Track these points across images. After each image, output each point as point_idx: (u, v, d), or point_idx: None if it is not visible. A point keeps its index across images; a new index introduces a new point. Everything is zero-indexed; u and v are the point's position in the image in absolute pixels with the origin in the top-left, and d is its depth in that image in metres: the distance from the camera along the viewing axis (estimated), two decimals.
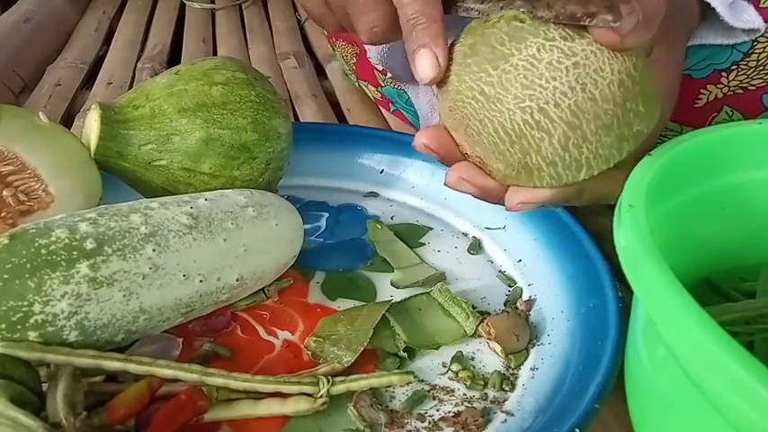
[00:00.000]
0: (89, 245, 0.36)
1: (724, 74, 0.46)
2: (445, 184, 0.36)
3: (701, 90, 0.48)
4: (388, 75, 0.57)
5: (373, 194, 0.57)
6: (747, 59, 0.45)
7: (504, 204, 0.36)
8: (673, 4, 0.34)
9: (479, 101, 0.33)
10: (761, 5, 0.42)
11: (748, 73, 0.46)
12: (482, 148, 0.34)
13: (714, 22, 0.41)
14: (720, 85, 0.47)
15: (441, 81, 0.34)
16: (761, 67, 0.45)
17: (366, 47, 0.58)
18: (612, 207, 0.30)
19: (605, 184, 0.34)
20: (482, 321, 0.42)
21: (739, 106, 0.48)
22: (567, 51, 0.31)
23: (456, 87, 0.34)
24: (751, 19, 0.40)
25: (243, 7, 1.13)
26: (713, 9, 0.39)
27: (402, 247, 0.50)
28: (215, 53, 0.97)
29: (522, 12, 0.32)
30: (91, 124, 0.45)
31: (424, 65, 0.34)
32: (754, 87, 0.47)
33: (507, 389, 0.39)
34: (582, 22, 0.30)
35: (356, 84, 0.78)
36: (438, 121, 0.56)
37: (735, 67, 0.45)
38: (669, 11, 0.33)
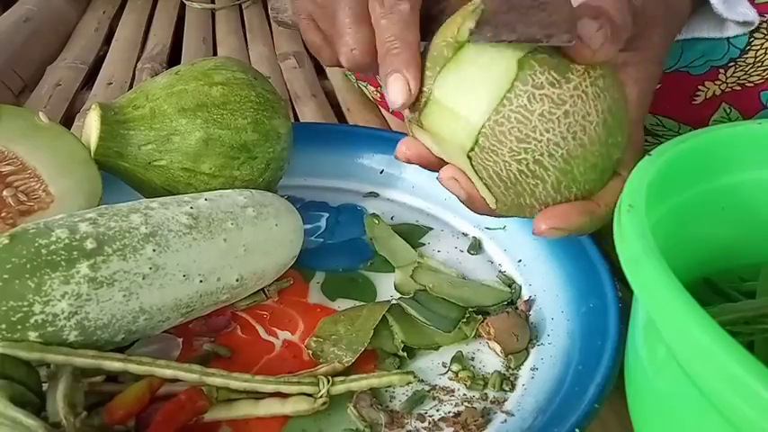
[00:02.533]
0: (89, 245, 0.36)
1: (722, 70, 0.46)
2: (437, 179, 0.37)
3: (699, 87, 0.48)
4: None
5: (373, 194, 0.57)
6: (745, 56, 0.45)
7: (485, 215, 0.37)
8: (651, 8, 0.34)
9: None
10: (756, 1, 0.42)
11: (746, 69, 0.46)
12: (473, 177, 0.35)
13: (708, 14, 0.41)
14: (718, 82, 0.47)
15: (417, 109, 0.35)
16: (758, 64, 0.45)
17: None
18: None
19: (612, 197, 0.35)
20: (482, 321, 0.42)
21: (737, 103, 0.48)
22: (556, 100, 0.32)
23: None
24: (744, 11, 0.40)
25: (243, 7, 1.13)
26: (707, 2, 0.39)
27: (400, 243, 0.50)
28: (215, 53, 0.97)
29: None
30: (91, 124, 0.45)
31: (395, 90, 0.34)
32: (752, 84, 0.47)
33: (507, 389, 0.39)
34: (541, 43, 0.31)
35: (356, 84, 0.78)
36: None
37: (732, 63, 0.46)
38: (642, 18, 0.33)
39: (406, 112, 0.36)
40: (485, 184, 0.34)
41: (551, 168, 0.33)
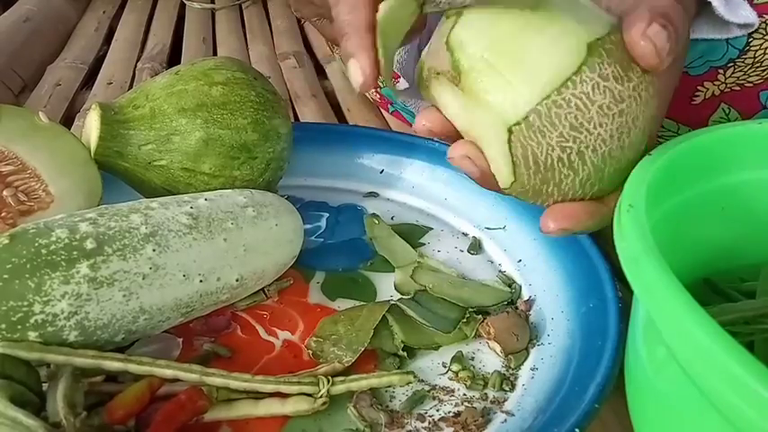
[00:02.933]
0: (89, 245, 0.36)
1: (721, 71, 0.46)
2: (449, 159, 0.36)
3: (698, 87, 0.48)
4: (399, 84, 0.56)
5: (373, 194, 0.57)
6: (744, 56, 0.45)
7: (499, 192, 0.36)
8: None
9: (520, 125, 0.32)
10: (755, 1, 0.42)
11: (745, 70, 0.46)
12: (496, 149, 0.33)
13: (709, 16, 0.41)
14: (717, 82, 0.47)
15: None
16: (757, 64, 0.45)
17: None
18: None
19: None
20: (482, 321, 0.42)
21: (736, 103, 0.48)
22: (617, 96, 0.31)
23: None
24: (746, 14, 0.41)
25: (243, 7, 1.13)
26: (708, 4, 0.39)
27: (400, 243, 0.50)
28: (215, 53, 0.97)
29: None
30: (91, 124, 0.45)
31: (352, 74, 0.34)
32: (750, 84, 0.47)
33: (507, 389, 0.39)
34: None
35: None
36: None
37: (731, 64, 0.46)
38: None
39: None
40: (513, 161, 0.33)
41: (589, 163, 0.32)
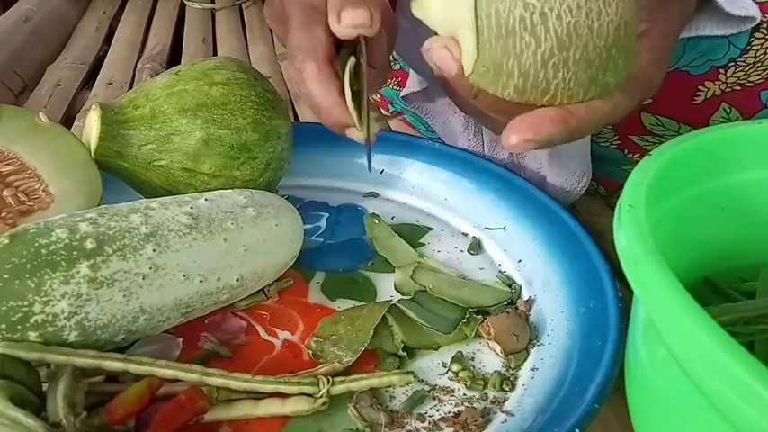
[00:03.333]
0: (89, 245, 0.36)
1: (722, 70, 0.46)
2: (424, 49, 0.35)
3: (699, 87, 0.48)
4: (407, 89, 0.57)
5: (373, 194, 0.57)
6: (745, 56, 0.45)
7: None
8: None
9: None
10: (758, 0, 0.42)
11: (746, 69, 0.46)
12: (465, 22, 0.32)
13: (710, 12, 0.41)
14: (718, 82, 0.47)
15: None
16: (758, 64, 0.45)
17: None
18: (612, 207, 0.30)
19: (589, 114, 0.33)
20: (482, 321, 0.42)
21: (737, 103, 0.48)
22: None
23: None
24: (746, 6, 0.40)
25: (243, 7, 1.14)
26: (710, 1, 0.39)
27: (400, 243, 0.50)
28: (215, 53, 0.97)
29: None
30: (91, 124, 0.45)
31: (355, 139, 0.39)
32: (751, 84, 0.47)
33: (507, 389, 0.39)
34: None
35: None
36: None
37: (732, 63, 0.46)
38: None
39: None
40: (477, 26, 0.31)
41: (552, 32, 0.30)
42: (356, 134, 0.39)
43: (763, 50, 0.44)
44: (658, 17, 0.35)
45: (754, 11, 0.41)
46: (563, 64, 0.31)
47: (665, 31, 0.36)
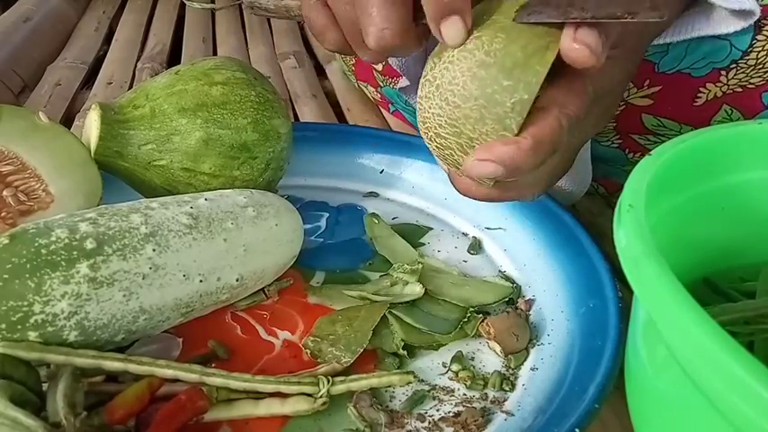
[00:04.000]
0: (89, 245, 0.36)
1: (723, 72, 0.46)
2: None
3: (701, 89, 0.48)
4: (401, 83, 0.56)
5: (373, 194, 0.57)
6: (746, 58, 0.45)
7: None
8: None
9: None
10: (760, 3, 0.41)
11: (747, 71, 0.45)
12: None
13: (708, 11, 0.41)
14: (720, 84, 0.47)
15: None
16: (760, 66, 0.45)
17: None
18: (612, 207, 0.30)
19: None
20: (482, 321, 0.42)
21: (738, 105, 0.48)
22: (430, 79, 0.36)
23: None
24: (741, 0, 0.39)
25: (243, 7, 1.13)
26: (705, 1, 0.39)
27: (400, 243, 0.50)
28: (215, 53, 0.97)
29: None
30: (91, 124, 0.45)
31: (452, 30, 0.34)
32: (753, 86, 0.46)
33: (507, 389, 0.39)
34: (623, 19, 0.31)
35: (356, 84, 0.78)
36: None
37: (734, 65, 0.45)
38: None
39: None
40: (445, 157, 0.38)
41: (447, 137, 0.36)
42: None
43: (765, 52, 0.44)
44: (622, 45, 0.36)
45: (749, 4, 0.40)
46: (470, 141, 0.36)
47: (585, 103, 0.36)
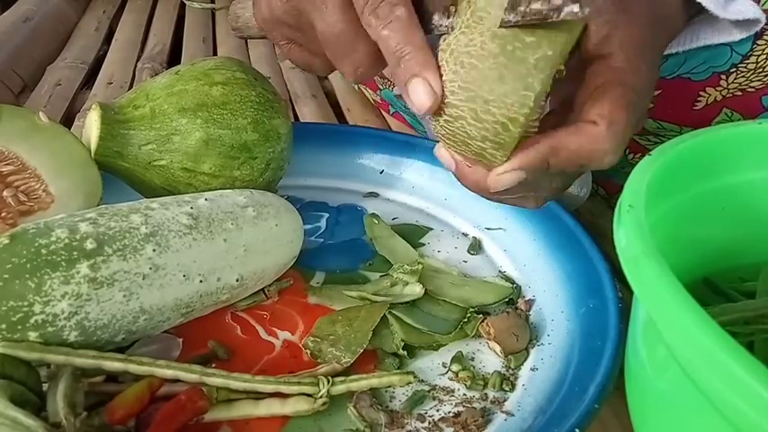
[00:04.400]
0: (89, 245, 0.36)
1: (723, 76, 0.46)
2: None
3: (701, 92, 0.48)
4: (397, 88, 0.56)
5: (373, 195, 0.57)
6: (746, 62, 0.45)
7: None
8: (636, 16, 0.34)
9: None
10: (761, 7, 0.41)
11: (747, 75, 0.45)
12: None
13: (710, 20, 0.41)
14: (719, 88, 0.47)
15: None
16: (760, 70, 0.45)
17: None
18: (613, 208, 0.30)
19: (578, 143, 0.33)
20: (482, 321, 0.42)
21: (738, 108, 0.48)
22: (444, 48, 0.33)
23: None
24: (743, 9, 0.39)
25: None
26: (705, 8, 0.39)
27: (400, 243, 0.50)
28: (215, 53, 0.97)
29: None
30: (91, 124, 0.45)
31: (419, 94, 0.33)
32: (753, 89, 0.46)
33: (507, 389, 0.39)
34: (549, 19, 0.30)
35: (355, 86, 0.78)
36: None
37: (734, 69, 0.45)
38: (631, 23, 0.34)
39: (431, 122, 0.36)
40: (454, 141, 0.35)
41: (459, 104, 0.33)
42: (425, 89, 0.34)
43: (765, 56, 0.44)
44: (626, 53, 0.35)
45: (753, 12, 0.39)
46: (485, 103, 0.33)
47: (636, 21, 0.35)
